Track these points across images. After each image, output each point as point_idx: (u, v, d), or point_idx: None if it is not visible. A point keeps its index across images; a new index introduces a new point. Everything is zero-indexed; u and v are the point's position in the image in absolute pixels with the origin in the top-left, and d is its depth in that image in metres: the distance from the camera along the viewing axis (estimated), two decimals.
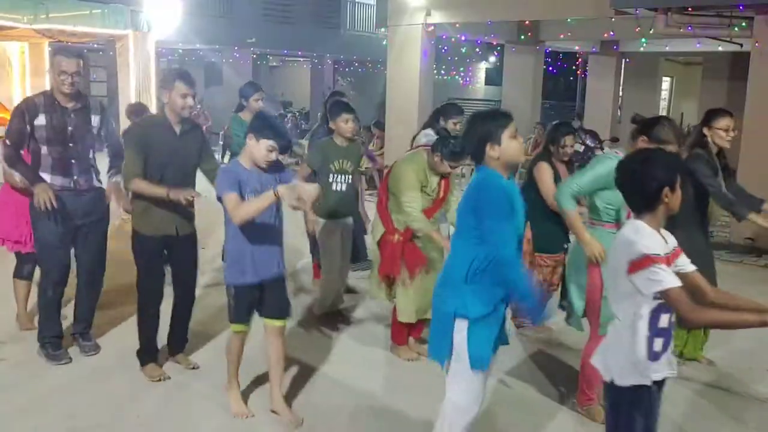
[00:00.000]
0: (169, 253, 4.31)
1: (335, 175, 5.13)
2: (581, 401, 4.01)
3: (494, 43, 17.81)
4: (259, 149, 3.56)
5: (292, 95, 24.68)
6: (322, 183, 4.86)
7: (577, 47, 17.33)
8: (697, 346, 4.74)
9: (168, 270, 4.45)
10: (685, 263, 2.65)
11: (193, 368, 4.45)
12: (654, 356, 2.59)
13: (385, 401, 4.14)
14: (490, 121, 2.96)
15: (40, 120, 4.23)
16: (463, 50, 17.85)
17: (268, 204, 3.45)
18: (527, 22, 11.53)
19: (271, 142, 3.54)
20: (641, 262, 2.48)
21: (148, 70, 8.96)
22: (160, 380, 4.25)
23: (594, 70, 16.76)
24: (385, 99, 12.19)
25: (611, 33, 11.00)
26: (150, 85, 8.92)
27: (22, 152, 4.31)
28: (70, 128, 4.30)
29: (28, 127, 4.23)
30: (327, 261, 5.26)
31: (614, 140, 12.38)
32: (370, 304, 5.67)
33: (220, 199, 3.54)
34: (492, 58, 27.33)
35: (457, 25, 11.45)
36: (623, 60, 17.02)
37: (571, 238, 4.46)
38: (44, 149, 4.27)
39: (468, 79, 28.18)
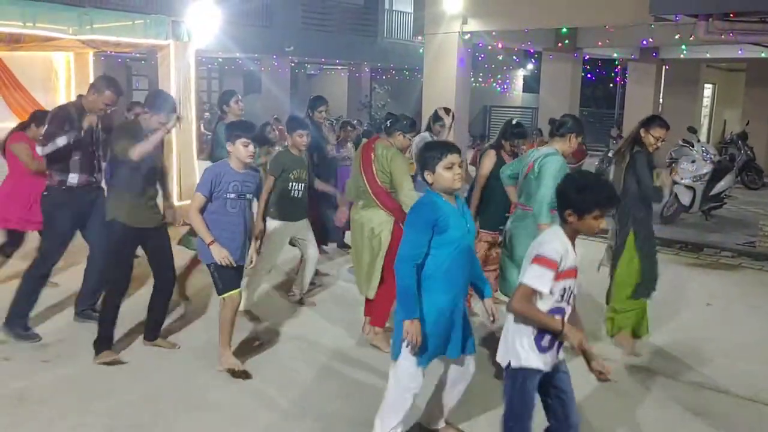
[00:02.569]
0: (145, 244, 4.76)
1: (294, 183, 5.58)
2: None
3: (531, 51, 17.73)
4: (238, 149, 4.24)
5: (331, 102, 24.72)
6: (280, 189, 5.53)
7: (615, 54, 17.14)
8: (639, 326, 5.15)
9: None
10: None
11: (177, 348, 4.88)
12: (540, 348, 2.96)
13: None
14: (428, 151, 3.42)
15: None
16: (500, 58, 17.77)
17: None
18: (564, 30, 11.43)
19: (243, 139, 4.22)
20: (535, 258, 2.90)
21: (188, 80, 9.13)
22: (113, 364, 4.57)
23: (633, 77, 16.56)
24: (421, 107, 12.23)
25: (650, 39, 10.84)
26: (190, 93, 9.09)
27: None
28: (94, 136, 4.94)
29: (65, 134, 4.76)
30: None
31: None
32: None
33: None
34: (530, 66, 27.21)
35: (494, 34, 11.43)
36: (663, 67, 16.79)
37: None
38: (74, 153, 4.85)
39: (506, 86, 28.08)
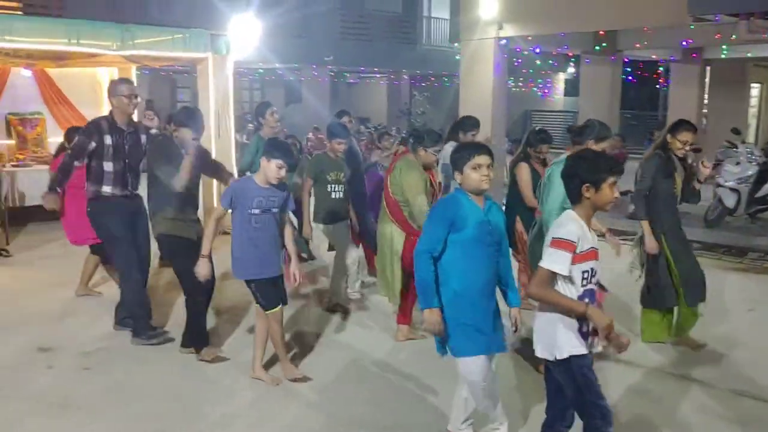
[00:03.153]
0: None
1: (332, 185, 5.85)
2: None
3: (570, 55, 17.55)
4: (271, 167, 4.20)
5: (370, 111, 24.97)
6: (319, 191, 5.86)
7: (654, 56, 16.84)
8: (656, 332, 5.24)
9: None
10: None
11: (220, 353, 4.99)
12: (583, 335, 2.96)
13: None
14: (458, 152, 3.50)
15: (107, 140, 5.00)
16: (538, 63, 17.63)
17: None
18: (602, 32, 11.28)
19: (279, 161, 4.17)
20: (551, 242, 2.93)
21: (226, 91, 9.30)
22: None
23: (676, 79, 16.22)
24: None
25: (690, 40, 10.62)
26: (228, 105, 9.26)
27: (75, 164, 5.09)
28: (126, 147, 5.10)
29: (93, 144, 4.98)
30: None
31: (696, 150, 11.88)
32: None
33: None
34: (571, 69, 26.90)
35: (530, 38, 11.34)
36: (707, 67, 16.43)
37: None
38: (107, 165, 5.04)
39: (547, 90, 27.83)
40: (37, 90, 10.44)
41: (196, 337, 4.94)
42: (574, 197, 3.02)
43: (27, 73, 9.94)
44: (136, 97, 5.07)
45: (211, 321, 5.56)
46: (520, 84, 24.88)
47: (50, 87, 10.48)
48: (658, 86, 22.88)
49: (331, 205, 5.86)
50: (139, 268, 5.21)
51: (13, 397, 4.36)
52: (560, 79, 28.78)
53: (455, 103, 11.97)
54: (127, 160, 5.13)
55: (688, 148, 4.89)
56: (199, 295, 4.85)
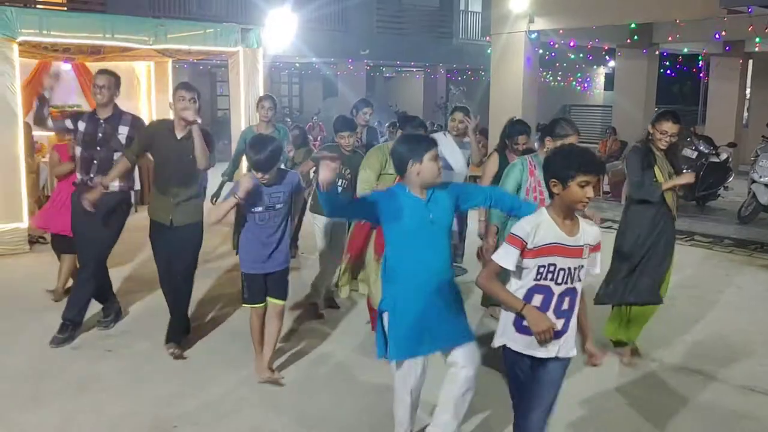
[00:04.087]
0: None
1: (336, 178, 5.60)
2: None
3: (605, 48, 17.29)
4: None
5: (407, 105, 24.97)
6: None
7: (686, 49, 16.49)
8: (620, 332, 4.92)
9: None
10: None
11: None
12: (521, 328, 2.93)
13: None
14: (416, 143, 3.42)
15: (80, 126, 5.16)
16: (572, 56, 17.42)
17: (229, 207, 4.15)
18: (633, 25, 11.13)
19: (252, 162, 4.15)
20: (507, 237, 2.93)
21: (257, 85, 9.47)
22: None
23: (717, 72, 15.87)
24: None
25: (723, 33, 10.40)
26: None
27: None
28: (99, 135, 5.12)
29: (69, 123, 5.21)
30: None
31: (731, 145, 11.68)
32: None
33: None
34: (611, 63, 26.50)
35: (561, 32, 11.26)
36: (750, 60, 16.05)
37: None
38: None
39: (586, 84, 27.45)
40: (76, 83, 10.78)
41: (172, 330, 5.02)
42: (548, 193, 2.98)
43: (66, 66, 10.25)
44: (102, 87, 5.04)
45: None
46: (559, 78, 24.62)
47: (89, 80, 10.77)
48: (696, 81, 22.39)
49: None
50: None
51: (36, 377, 4.55)
52: (600, 74, 28.36)
53: (488, 97, 11.93)
54: (98, 148, 5.12)
55: (669, 139, 4.67)
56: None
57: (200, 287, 5.99)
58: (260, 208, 4.24)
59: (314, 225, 5.73)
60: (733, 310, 6.07)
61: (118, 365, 4.76)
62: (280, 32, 13.58)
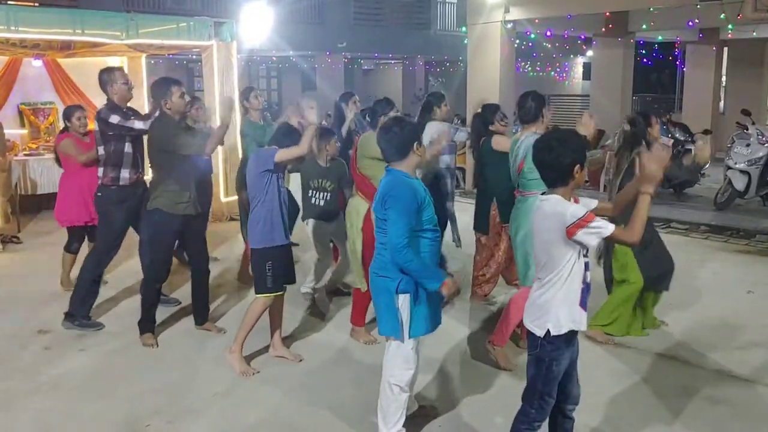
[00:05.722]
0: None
1: (314, 192, 5.70)
2: (495, 340, 4.55)
3: (582, 37, 17.34)
4: None
5: (386, 96, 24.89)
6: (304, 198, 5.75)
7: (666, 37, 16.58)
8: (637, 325, 5.15)
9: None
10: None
11: (224, 332, 5.17)
12: (584, 305, 2.97)
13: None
14: (414, 126, 3.50)
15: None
16: (548, 46, 17.46)
17: (312, 133, 4.40)
18: (607, 14, 11.16)
19: None
20: (578, 224, 2.80)
21: (231, 78, 9.37)
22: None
23: (692, 60, 15.98)
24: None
25: (696, 20, 10.46)
26: (233, 92, 9.32)
27: None
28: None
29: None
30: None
31: (706, 132, 11.76)
32: None
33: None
34: (590, 53, 26.59)
35: (537, 21, 11.26)
36: (724, 48, 16.15)
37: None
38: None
39: (564, 74, 27.54)
40: (48, 80, 10.62)
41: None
42: (560, 178, 2.92)
43: (37, 62, 10.09)
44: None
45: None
46: (538, 68, 24.67)
47: (61, 76, 10.63)
48: (672, 69, 22.55)
49: (323, 207, 5.74)
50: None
51: (7, 377, 4.49)
52: (578, 63, 28.46)
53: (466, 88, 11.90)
54: (141, 145, 5.31)
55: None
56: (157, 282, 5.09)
57: (175, 282, 5.94)
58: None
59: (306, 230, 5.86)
60: (709, 296, 6.12)
61: (92, 364, 4.71)
62: (256, 26, 13.46)
